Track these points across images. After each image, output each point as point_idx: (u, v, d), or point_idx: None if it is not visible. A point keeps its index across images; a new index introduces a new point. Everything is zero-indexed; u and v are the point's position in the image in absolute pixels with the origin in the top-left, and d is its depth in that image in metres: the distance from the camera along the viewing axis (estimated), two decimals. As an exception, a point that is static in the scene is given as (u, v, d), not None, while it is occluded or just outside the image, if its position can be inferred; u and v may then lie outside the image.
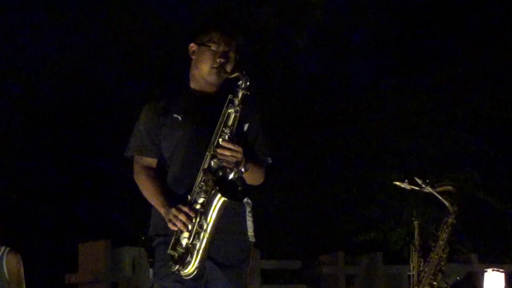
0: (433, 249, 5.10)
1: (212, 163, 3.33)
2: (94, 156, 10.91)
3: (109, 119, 10.63)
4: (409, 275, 5.38)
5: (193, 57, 3.57)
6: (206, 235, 3.30)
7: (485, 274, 7.17)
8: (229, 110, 3.36)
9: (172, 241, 3.34)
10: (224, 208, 3.32)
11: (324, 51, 11.03)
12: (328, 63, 11.15)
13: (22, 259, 5.69)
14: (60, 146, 11.18)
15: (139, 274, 7.62)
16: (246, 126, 3.52)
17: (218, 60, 3.48)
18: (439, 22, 11.53)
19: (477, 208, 10.36)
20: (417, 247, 5.23)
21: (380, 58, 11.41)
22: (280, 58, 10.66)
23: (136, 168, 3.56)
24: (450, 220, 5.05)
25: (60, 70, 11.12)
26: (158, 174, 3.51)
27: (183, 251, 3.32)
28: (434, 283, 5.08)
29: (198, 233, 3.30)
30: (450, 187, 5.03)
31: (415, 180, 4.95)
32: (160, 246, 3.48)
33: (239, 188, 3.31)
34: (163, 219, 3.41)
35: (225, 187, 3.27)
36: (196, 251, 3.31)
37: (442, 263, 5.08)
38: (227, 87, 3.46)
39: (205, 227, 3.29)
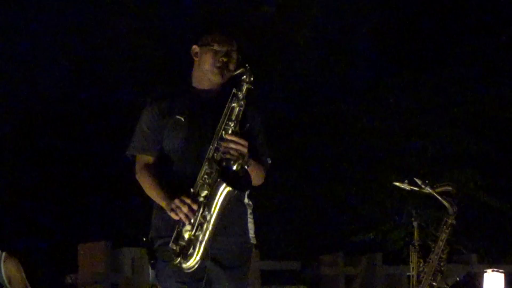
0: (432, 249, 5.10)
1: (216, 155, 3.33)
2: (94, 157, 10.90)
3: (110, 119, 10.64)
4: (408, 276, 5.39)
5: (196, 59, 3.59)
6: (210, 227, 3.29)
7: (485, 274, 7.18)
8: (233, 104, 3.39)
9: (174, 235, 3.33)
10: (228, 200, 3.30)
11: (324, 51, 11.01)
12: (328, 63, 11.14)
13: (22, 260, 5.61)
14: (59, 146, 11.17)
15: (139, 274, 7.62)
16: (247, 127, 3.52)
17: (221, 60, 3.50)
18: (439, 22, 11.53)
19: (476, 209, 10.36)
20: (417, 247, 5.24)
21: (380, 58, 11.39)
22: (279, 57, 10.65)
23: (138, 167, 3.57)
24: (449, 221, 5.06)
25: (61, 70, 11.12)
26: (161, 173, 3.51)
27: (185, 244, 3.32)
28: (434, 283, 5.09)
29: (201, 224, 3.29)
30: (449, 188, 5.04)
31: (415, 180, 4.96)
32: (162, 248, 3.48)
33: (243, 178, 3.30)
34: (166, 220, 3.41)
35: (229, 177, 3.26)
36: (198, 243, 3.30)
37: (441, 264, 5.09)
38: (230, 89, 3.47)
39: (208, 218, 3.29)
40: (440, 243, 5.06)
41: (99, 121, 10.92)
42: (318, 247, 10.19)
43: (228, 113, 3.38)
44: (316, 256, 9.23)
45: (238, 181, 3.28)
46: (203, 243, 3.31)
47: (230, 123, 3.37)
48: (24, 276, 5.44)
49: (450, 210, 5.02)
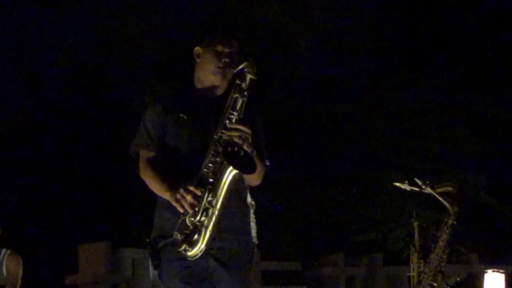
0: (433, 250, 5.10)
1: (220, 142, 3.31)
2: (95, 158, 10.90)
3: (111, 120, 10.63)
4: (409, 276, 5.38)
5: (198, 60, 3.60)
6: (215, 211, 3.27)
7: (485, 275, 7.16)
8: (236, 95, 3.39)
9: (178, 224, 3.31)
10: (234, 183, 3.28)
11: (325, 51, 11.02)
12: (329, 63, 11.15)
13: (23, 260, 5.71)
14: (60, 147, 11.18)
15: (139, 275, 7.62)
16: (247, 127, 3.51)
17: (223, 60, 3.51)
18: (440, 22, 11.53)
19: (477, 209, 10.36)
20: (417, 248, 5.23)
21: (381, 58, 11.39)
22: (281, 58, 10.65)
23: (141, 163, 3.57)
24: (450, 221, 5.05)
25: (63, 71, 11.12)
26: (164, 169, 3.51)
27: (190, 231, 3.29)
28: (434, 284, 5.08)
29: (206, 210, 3.27)
30: (450, 188, 5.03)
31: (415, 181, 4.96)
32: (166, 248, 3.47)
33: (248, 161, 3.26)
34: (169, 220, 3.41)
35: (234, 159, 3.24)
36: (204, 228, 3.28)
37: (442, 264, 5.08)
38: (232, 88, 3.48)
39: (214, 203, 3.27)
40: (441, 244, 5.06)
41: (99, 122, 10.92)
42: (319, 247, 10.19)
43: (231, 104, 3.39)
44: (317, 257, 9.23)
45: (244, 164, 3.25)
46: (209, 228, 3.28)
47: (234, 112, 3.37)
48: (20, 273, 5.59)
49: (451, 211, 5.01)
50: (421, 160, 10.31)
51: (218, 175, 3.29)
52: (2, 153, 11.01)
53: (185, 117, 3.51)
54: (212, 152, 3.32)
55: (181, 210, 3.29)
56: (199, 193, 3.27)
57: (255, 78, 3.39)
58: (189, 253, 3.31)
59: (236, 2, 10.31)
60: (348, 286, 8.90)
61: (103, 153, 10.61)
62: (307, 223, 10.76)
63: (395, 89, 10.73)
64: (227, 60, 3.51)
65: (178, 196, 3.29)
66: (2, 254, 5.64)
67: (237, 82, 3.40)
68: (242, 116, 3.37)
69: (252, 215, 3.60)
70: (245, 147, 3.27)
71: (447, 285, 5.28)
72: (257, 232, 3.63)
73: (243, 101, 3.39)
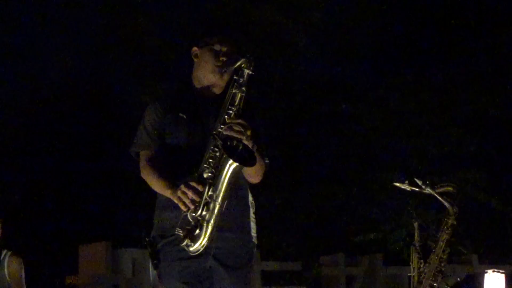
0: (433, 250, 5.10)
1: (220, 135, 3.31)
2: (96, 158, 10.91)
3: (113, 120, 10.64)
4: (409, 276, 5.38)
5: (196, 60, 3.61)
6: (217, 205, 3.26)
7: (486, 275, 7.15)
8: (234, 90, 3.38)
9: (180, 220, 3.30)
10: (235, 177, 3.27)
11: (324, 51, 11.02)
12: (328, 63, 11.15)
13: (23, 261, 5.71)
14: (61, 147, 11.18)
15: (139, 275, 7.62)
16: None
17: (221, 59, 3.52)
18: (439, 22, 11.53)
19: (477, 209, 10.37)
20: (417, 248, 5.23)
21: (381, 58, 11.40)
22: (280, 58, 10.66)
23: (142, 163, 3.57)
24: (450, 221, 5.05)
25: (67, 70, 11.12)
26: (164, 169, 3.51)
27: (191, 226, 3.28)
28: (434, 284, 5.08)
29: (207, 204, 3.26)
30: (450, 188, 5.02)
31: (415, 181, 4.95)
32: (166, 247, 3.47)
33: (248, 154, 3.25)
34: (169, 220, 3.40)
35: (234, 153, 3.23)
36: (205, 222, 3.26)
37: (442, 264, 5.08)
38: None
39: (214, 197, 3.25)
40: (441, 244, 5.05)
41: (101, 123, 10.92)
42: (319, 247, 10.20)
43: (229, 99, 3.38)
44: (317, 257, 9.23)
45: (243, 157, 3.24)
46: (211, 222, 3.26)
47: (232, 107, 3.37)
48: (23, 275, 5.59)
49: (451, 211, 5.01)
50: (421, 160, 10.31)
51: (218, 169, 3.27)
52: (2, 153, 11.02)
53: (185, 116, 3.51)
54: (212, 147, 3.32)
55: (183, 208, 3.28)
56: (200, 189, 3.26)
57: (253, 73, 3.39)
58: (191, 248, 3.29)
59: (233, 2, 10.31)
60: (348, 286, 8.89)
61: (103, 153, 10.62)
62: (307, 223, 10.77)
63: (395, 89, 10.73)
64: (224, 58, 3.51)
65: (179, 193, 3.28)
66: (2, 256, 5.64)
67: (235, 77, 3.40)
68: (241, 111, 3.37)
69: (252, 215, 3.60)
70: (244, 141, 3.27)
71: (447, 285, 5.28)
72: (257, 232, 3.62)
73: (241, 96, 3.38)
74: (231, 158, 3.22)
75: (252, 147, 3.29)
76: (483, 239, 10.68)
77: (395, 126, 10.53)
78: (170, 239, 3.40)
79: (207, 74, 3.56)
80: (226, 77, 3.52)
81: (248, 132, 3.28)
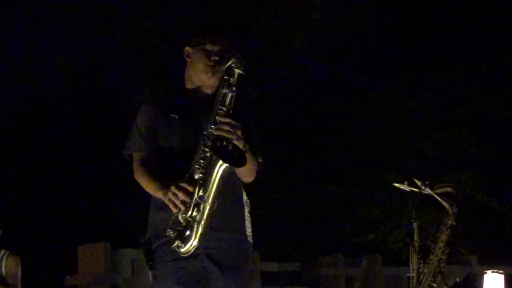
0: (432, 250, 5.09)
1: (210, 136, 3.29)
2: (94, 158, 10.90)
3: (111, 120, 10.63)
4: (408, 277, 5.38)
5: (188, 60, 3.60)
6: (207, 206, 3.26)
7: (485, 275, 7.15)
8: (225, 90, 3.36)
9: (171, 222, 3.30)
10: (226, 177, 3.27)
11: (323, 51, 11.01)
12: (327, 63, 11.14)
13: (22, 261, 5.71)
14: (60, 147, 11.17)
15: (138, 275, 7.63)
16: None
17: (212, 58, 3.50)
18: (439, 23, 11.53)
19: (476, 210, 10.36)
20: (417, 248, 5.22)
21: (380, 58, 11.39)
22: (278, 58, 10.65)
23: (135, 165, 3.56)
24: (449, 222, 5.04)
25: (65, 69, 11.12)
26: (157, 170, 3.51)
27: (182, 228, 3.27)
28: (434, 284, 5.07)
29: (197, 205, 3.25)
30: (449, 189, 5.02)
31: (415, 181, 4.95)
32: (161, 248, 3.45)
33: (238, 155, 3.24)
34: (164, 220, 3.39)
35: (224, 153, 3.22)
36: (196, 223, 3.26)
37: (441, 265, 5.08)
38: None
39: (205, 197, 3.25)
40: (440, 244, 5.05)
41: (100, 122, 10.91)
42: (318, 248, 10.19)
43: (220, 99, 3.36)
44: (316, 257, 9.23)
45: (233, 157, 3.23)
46: (201, 223, 3.26)
47: (223, 108, 3.34)
48: (19, 274, 5.60)
49: (450, 211, 5.01)
50: (420, 161, 10.31)
51: (208, 170, 3.27)
52: (1, 153, 11.02)
53: (176, 117, 3.49)
54: (202, 147, 3.31)
55: (173, 209, 3.28)
56: (190, 190, 3.25)
57: (244, 73, 3.37)
58: (182, 250, 3.29)
59: (231, 2, 10.31)
60: (347, 286, 8.90)
61: (103, 153, 10.61)
62: (307, 224, 10.76)
63: (394, 89, 10.73)
64: (216, 58, 3.49)
65: (170, 194, 3.27)
66: (0, 255, 5.64)
67: (225, 77, 3.38)
68: (231, 111, 3.35)
69: (247, 214, 3.58)
70: (234, 141, 3.25)
71: (447, 286, 5.28)
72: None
73: (232, 96, 3.36)
74: (221, 159, 3.22)
75: (244, 146, 3.28)
76: (483, 239, 10.68)
77: (395, 126, 10.53)
78: (165, 239, 3.38)
79: (199, 74, 3.54)
80: (218, 76, 3.50)
81: (239, 132, 3.27)
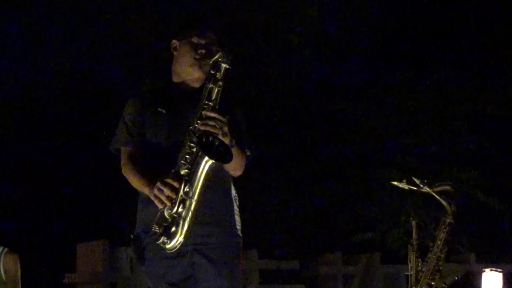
0: (431, 249, 5.10)
1: (195, 132, 3.28)
2: (94, 156, 10.89)
3: (109, 118, 10.60)
4: (407, 275, 5.38)
5: (175, 53, 3.60)
6: (193, 202, 3.24)
7: (483, 274, 7.16)
8: (211, 85, 3.36)
9: (157, 217, 3.28)
10: (212, 173, 3.26)
11: (321, 50, 11.01)
12: (325, 62, 11.14)
13: (20, 259, 5.70)
14: (58, 145, 11.16)
15: (137, 274, 7.62)
16: (227, 118, 3.45)
17: (199, 52, 3.50)
18: (438, 22, 11.52)
19: (475, 208, 10.36)
20: (415, 247, 5.23)
21: (380, 57, 11.38)
22: (275, 57, 10.64)
23: (123, 160, 3.56)
24: (448, 220, 5.05)
25: (61, 68, 11.11)
26: (145, 165, 3.49)
27: (168, 224, 3.26)
28: (432, 283, 5.08)
29: (183, 201, 3.24)
30: (448, 187, 5.03)
31: (413, 180, 4.95)
32: (151, 245, 3.44)
33: (224, 151, 3.22)
34: (153, 215, 3.35)
35: (210, 149, 3.21)
36: (182, 220, 3.24)
37: (440, 263, 5.09)
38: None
39: (190, 194, 3.23)
40: (439, 243, 5.06)
41: (98, 120, 10.90)
42: (317, 246, 10.19)
43: (206, 94, 3.35)
44: (315, 256, 9.22)
45: (219, 153, 3.21)
46: (187, 220, 3.24)
47: (209, 102, 3.33)
48: (19, 272, 5.58)
49: (449, 210, 5.02)
50: (419, 159, 10.31)
51: (194, 166, 3.26)
52: (1, 152, 11.00)
53: (164, 111, 3.49)
54: (188, 143, 3.30)
55: (159, 205, 3.27)
56: (176, 185, 3.23)
57: (230, 67, 3.36)
58: (167, 246, 3.27)
59: (226, 3, 10.31)
60: (345, 285, 8.90)
61: (101, 151, 10.59)
62: (305, 222, 10.76)
63: (393, 88, 10.73)
64: (203, 51, 3.49)
65: (156, 190, 3.26)
66: None
67: (212, 72, 3.37)
68: (217, 106, 3.33)
69: (236, 208, 3.57)
70: (220, 137, 3.24)
71: (445, 284, 5.28)
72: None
73: (218, 91, 3.35)
74: (206, 155, 3.21)
75: (230, 141, 3.26)
76: (481, 238, 10.68)
77: (393, 125, 10.53)
78: (154, 236, 3.36)
79: (185, 68, 3.54)
80: (205, 70, 3.48)
81: (225, 127, 3.26)
